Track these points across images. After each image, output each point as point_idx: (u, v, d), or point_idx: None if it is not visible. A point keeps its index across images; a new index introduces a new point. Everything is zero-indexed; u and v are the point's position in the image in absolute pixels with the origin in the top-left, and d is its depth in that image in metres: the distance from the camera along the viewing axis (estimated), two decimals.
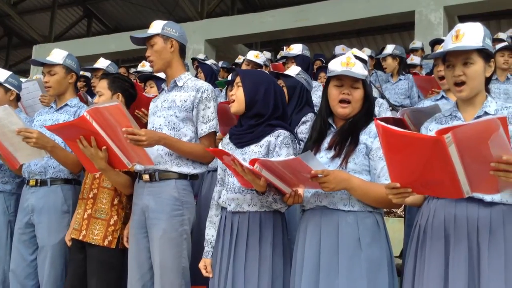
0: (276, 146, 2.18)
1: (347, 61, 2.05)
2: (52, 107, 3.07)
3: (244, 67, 4.94)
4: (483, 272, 1.70)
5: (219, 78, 5.75)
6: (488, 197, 1.75)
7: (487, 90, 1.92)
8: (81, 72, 5.48)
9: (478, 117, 1.84)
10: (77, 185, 2.95)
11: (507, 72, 4.55)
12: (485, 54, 1.84)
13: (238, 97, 2.24)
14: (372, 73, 5.52)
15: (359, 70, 2.03)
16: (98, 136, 2.34)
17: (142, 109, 3.06)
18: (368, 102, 2.09)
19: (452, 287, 1.72)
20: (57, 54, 3.00)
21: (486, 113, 1.84)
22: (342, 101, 2.06)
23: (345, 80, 2.05)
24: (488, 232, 1.73)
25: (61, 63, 2.96)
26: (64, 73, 2.98)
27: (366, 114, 2.09)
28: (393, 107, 4.71)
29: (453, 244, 1.76)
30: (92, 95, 4.58)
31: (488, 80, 1.90)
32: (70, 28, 13.08)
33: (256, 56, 5.00)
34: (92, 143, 2.37)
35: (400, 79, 5.25)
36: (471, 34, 1.82)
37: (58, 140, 2.76)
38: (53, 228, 2.84)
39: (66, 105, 3.00)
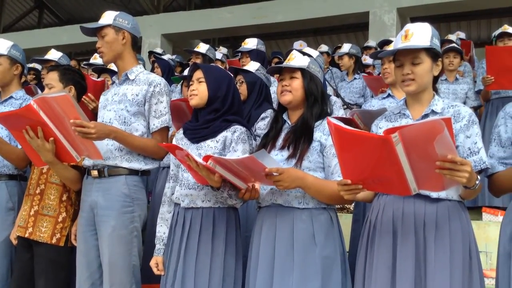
0: (233, 142, 2.18)
1: (289, 57, 2.19)
2: None
3: (193, 59, 4.97)
4: (429, 265, 1.76)
5: (175, 73, 5.69)
6: (434, 194, 1.81)
7: (435, 89, 1.98)
8: (31, 65, 5.30)
9: (426, 115, 1.90)
10: (23, 181, 2.85)
11: (455, 72, 4.73)
12: (433, 54, 1.89)
13: (201, 92, 2.22)
14: (327, 71, 5.60)
15: (297, 62, 2.15)
16: (46, 127, 2.26)
17: (89, 94, 2.97)
18: (310, 92, 2.13)
19: (399, 281, 1.77)
20: (1, 45, 2.87)
21: (433, 111, 1.90)
22: (282, 91, 2.15)
23: (285, 73, 2.16)
24: (434, 227, 1.79)
25: (5, 54, 2.84)
26: (9, 64, 2.86)
27: (313, 107, 2.12)
28: (348, 106, 4.80)
29: (400, 239, 1.81)
30: (42, 88, 4.43)
31: (436, 79, 1.96)
32: (20, 19, 12.59)
33: (197, 46, 5.03)
34: (38, 134, 2.29)
35: (355, 78, 5.36)
36: (420, 34, 1.87)
37: (3, 134, 2.66)
38: None
39: (11, 97, 2.88)
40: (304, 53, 2.95)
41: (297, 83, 2.12)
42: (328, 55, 6.05)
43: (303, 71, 2.13)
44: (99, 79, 3.33)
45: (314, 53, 3.74)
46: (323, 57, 4.75)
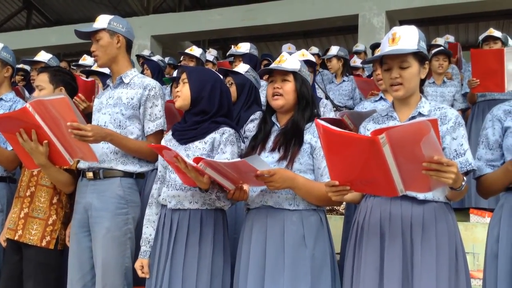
0: (221, 143, 2.17)
1: (280, 59, 2.16)
2: None
3: (183, 62, 4.97)
4: (416, 267, 1.78)
5: (166, 75, 5.68)
6: (421, 195, 1.83)
7: (422, 91, 2.00)
8: (20, 65, 5.26)
9: (413, 117, 1.92)
10: (12, 183, 2.83)
11: (443, 75, 4.78)
12: (420, 57, 1.91)
13: (183, 93, 2.22)
14: (318, 73, 5.63)
15: (289, 65, 2.13)
16: (40, 129, 2.25)
17: (79, 94, 2.96)
18: (302, 96, 2.14)
19: (387, 282, 1.79)
20: None
21: (420, 114, 1.92)
22: (274, 94, 2.14)
23: (276, 75, 2.15)
24: (421, 229, 1.81)
25: None
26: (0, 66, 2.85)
27: (305, 110, 2.14)
28: (337, 108, 4.82)
29: (388, 240, 1.83)
30: (30, 89, 4.41)
31: (422, 82, 1.98)
32: (8, 20, 12.47)
33: (190, 49, 5.02)
34: (32, 137, 2.28)
35: (344, 80, 5.39)
36: (407, 37, 1.88)
37: None
38: None
39: (1, 99, 2.85)
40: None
41: (289, 86, 2.12)
42: (319, 57, 6.08)
43: (295, 74, 2.13)
44: (89, 79, 3.32)
45: (310, 57, 3.77)
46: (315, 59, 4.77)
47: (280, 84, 2.13)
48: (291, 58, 2.16)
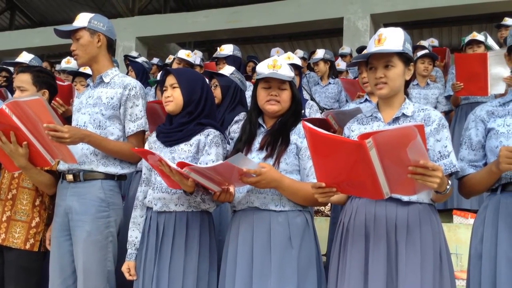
0: (206, 145, 2.17)
1: (274, 63, 2.11)
2: None
3: (175, 65, 4.90)
4: (400, 268, 1.78)
5: (151, 76, 5.65)
6: (405, 197, 1.85)
7: (407, 93, 2.02)
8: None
9: (397, 117, 1.94)
10: None
11: (427, 78, 4.83)
12: (405, 58, 1.93)
13: (176, 98, 2.20)
14: (304, 75, 5.65)
15: (285, 72, 2.09)
16: (19, 131, 2.22)
17: (57, 98, 2.92)
18: (295, 102, 2.15)
19: (372, 283, 1.79)
20: None
21: (404, 115, 1.94)
22: (270, 100, 2.10)
23: (272, 82, 2.11)
24: (405, 230, 1.82)
25: None
26: None
27: (294, 114, 2.15)
28: (323, 110, 4.84)
29: (373, 242, 1.84)
30: (13, 91, 4.34)
31: (407, 83, 1.99)
32: None
33: (187, 55, 4.98)
34: (11, 139, 2.24)
35: (329, 83, 5.42)
36: (392, 38, 1.90)
37: None
38: None
39: None
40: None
41: (287, 95, 2.12)
42: (304, 60, 6.10)
43: (290, 81, 2.12)
44: (65, 83, 3.27)
45: (298, 61, 3.76)
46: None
47: (278, 92, 2.11)
48: (285, 65, 2.13)
